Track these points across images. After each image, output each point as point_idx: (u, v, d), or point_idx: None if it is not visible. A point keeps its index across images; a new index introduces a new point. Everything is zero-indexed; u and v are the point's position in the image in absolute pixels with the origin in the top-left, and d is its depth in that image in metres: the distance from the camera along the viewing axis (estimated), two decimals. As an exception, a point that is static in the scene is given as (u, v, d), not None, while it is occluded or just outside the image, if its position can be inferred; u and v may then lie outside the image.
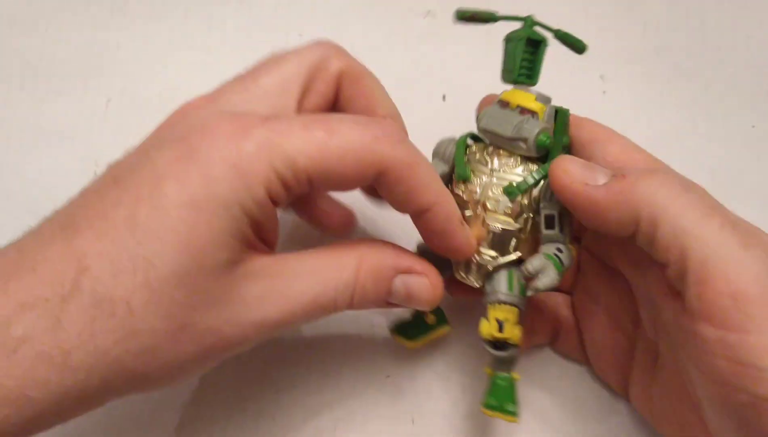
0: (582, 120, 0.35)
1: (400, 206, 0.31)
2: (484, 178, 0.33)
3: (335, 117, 0.30)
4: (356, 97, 0.34)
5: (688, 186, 0.29)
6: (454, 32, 0.51)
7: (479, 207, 0.33)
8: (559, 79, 0.48)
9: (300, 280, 0.30)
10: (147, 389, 0.29)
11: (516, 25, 0.34)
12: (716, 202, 0.29)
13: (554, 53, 0.48)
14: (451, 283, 0.35)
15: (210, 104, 0.32)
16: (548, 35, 0.34)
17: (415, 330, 0.38)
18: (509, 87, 0.35)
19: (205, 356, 0.28)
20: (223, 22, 0.51)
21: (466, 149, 0.35)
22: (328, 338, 0.41)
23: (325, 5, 0.51)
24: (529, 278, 0.31)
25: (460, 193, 0.33)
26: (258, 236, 0.29)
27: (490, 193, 0.33)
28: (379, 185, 0.30)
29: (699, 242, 0.27)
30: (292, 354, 0.41)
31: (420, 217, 0.31)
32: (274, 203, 0.28)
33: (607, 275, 0.36)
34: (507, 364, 0.34)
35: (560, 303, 0.39)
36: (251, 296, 0.28)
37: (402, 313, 0.39)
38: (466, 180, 0.33)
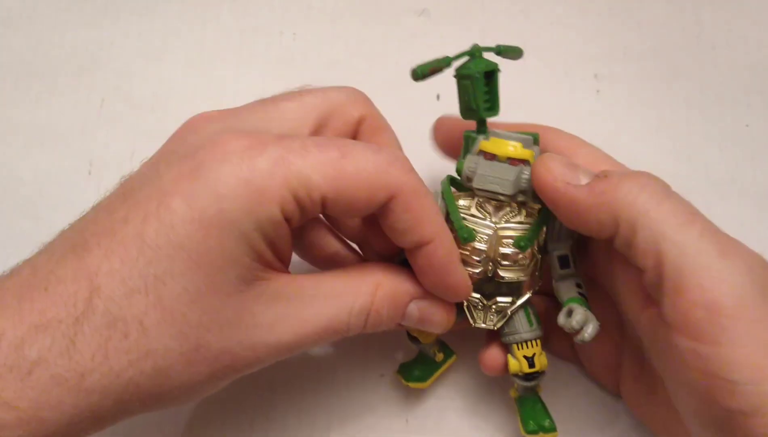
0: (548, 131, 0.35)
1: (403, 235, 0.30)
2: (489, 232, 0.32)
3: (348, 141, 0.30)
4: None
5: (669, 192, 0.29)
6: (449, 31, 0.51)
7: (490, 263, 0.32)
8: (554, 78, 0.48)
9: (315, 304, 0.29)
10: (160, 408, 0.28)
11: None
12: (697, 210, 0.29)
13: (548, 53, 0.49)
14: None
15: (223, 119, 0.31)
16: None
17: (426, 370, 0.37)
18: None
19: (218, 377, 0.28)
20: (218, 21, 0.51)
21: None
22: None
23: (320, 4, 0.51)
24: (575, 332, 0.31)
25: (466, 253, 0.32)
26: (273, 253, 0.29)
27: (501, 249, 0.32)
28: (384, 213, 0.29)
29: (676, 249, 0.27)
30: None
31: (420, 250, 0.30)
32: (288, 222, 0.28)
33: (588, 285, 0.36)
34: (534, 387, 0.35)
35: (549, 307, 0.39)
36: (266, 319, 0.28)
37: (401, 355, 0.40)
38: (471, 240, 0.32)
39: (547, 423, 0.35)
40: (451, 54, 0.34)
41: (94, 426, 0.27)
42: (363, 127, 0.34)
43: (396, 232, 0.30)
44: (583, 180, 0.30)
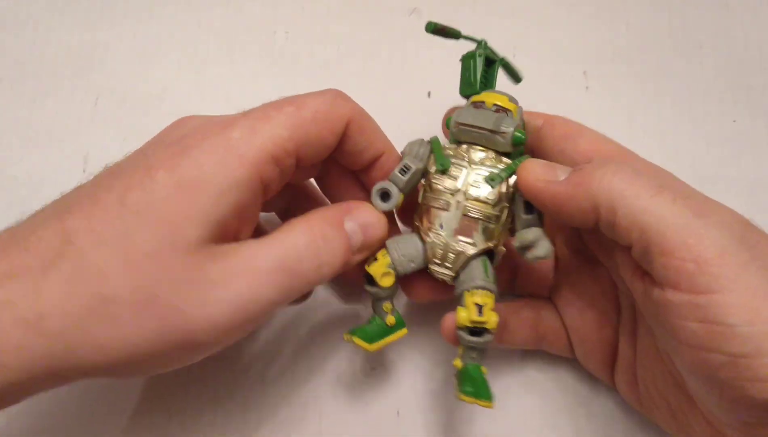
0: (554, 118, 0.37)
1: (362, 155, 0.35)
2: (464, 169, 0.35)
3: (296, 95, 0.33)
4: (359, 135, 0.35)
5: (639, 171, 0.31)
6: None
7: (460, 195, 0.34)
8: (543, 75, 0.49)
9: (263, 252, 0.30)
10: (109, 369, 0.29)
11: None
12: (669, 180, 0.31)
13: (538, 51, 0.49)
14: (411, 286, 0.37)
15: (206, 117, 0.34)
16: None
17: (374, 333, 0.37)
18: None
19: (168, 340, 0.28)
20: (211, 20, 0.51)
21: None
22: (313, 331, 0.42)
23: (312, 4, 0.51)
24: (528, 247, 0.33)
25: (440, 184, 0.35)
26: (239, 221, 0.30)
27: (471, 182, 0.34)
28: (344, 141, 0.34)
29: (655, 217, 0.29)
30: (278, 348, 0.42)
31: (376, 163, 0.36)
32: (266, 186, 0.31)
33: (588, 267, 0.37)
34: (479, 354, 0.34)
35: (542, 308, 0.40)
36: (218, 274, 0.29)
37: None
38: (446, 171, 0.35)
39: (486, 392, 0.33)
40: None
41: (48, 377, 0.28)
42: (351, 124, 0.35)
43: (356, 155, 0.35)
44: (562, 176, 0.32)
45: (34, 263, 0.28)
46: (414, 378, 0.41)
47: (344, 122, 0.33)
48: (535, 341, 0.40)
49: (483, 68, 0.36)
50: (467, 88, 0.37)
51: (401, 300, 0.41)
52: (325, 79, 0.49)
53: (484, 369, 0.34)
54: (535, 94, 0.47)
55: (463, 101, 0.38)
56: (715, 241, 0.27)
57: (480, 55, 0.36)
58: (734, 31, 0.50)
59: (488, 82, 0.37)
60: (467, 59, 0.37)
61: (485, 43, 0.37)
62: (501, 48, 0.49)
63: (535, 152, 0.37)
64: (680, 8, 0.50)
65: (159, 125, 0.47)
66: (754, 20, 0.50)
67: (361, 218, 0.34)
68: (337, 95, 0.34)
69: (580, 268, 0.38)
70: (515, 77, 0.39)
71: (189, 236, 0.28)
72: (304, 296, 0.41)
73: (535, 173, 0.33)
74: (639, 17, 0.50)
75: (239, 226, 0.31)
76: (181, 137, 0.31)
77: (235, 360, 0.41)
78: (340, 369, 0.41)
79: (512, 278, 0.41)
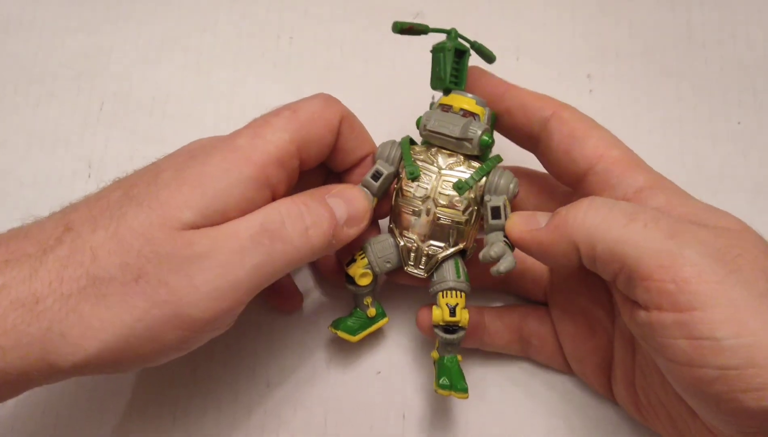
0: (563, 110, 0.37)
1: (353, 153, 0.37)
2: (433, 176, 0.36)
3: (291, 102, 0.35)
4: (350, 133, 0.37)
5: (610, 204, 0.31)
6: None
7: (430, 202, 0.36)
8: (547, 78, 0.49)
9: (245, 220, 0.31)
10: (102, 358, 0.29)
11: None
12: (639, 207, 0.31)
13: (541, 53, 0.49)
14: (393, 272, 0.38)
15: (215, 137, 0.35)
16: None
17: (357, 326, 0.39)
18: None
19: (156, 316, 0.29)
20: (215, 26, 0.51)
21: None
22: (318, 334, 0.42)
23: (316, 9, 0.51)
24: (492, 262, 0.33)
25: (411, 190, 0.36)
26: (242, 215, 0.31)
27: (440, 189, 0.36)
28: (337, 138, 0.36)
29: (630, 245, 0.29)
30: (283, 349, 0.42)
31: (361, 163, 0.38)
32: (273, 187, 0.32)
33: (583, 272, 0.37)
34: (454, 347, 0.36)
35: (530, 313, 0.40)
36: (202, 247, 0.30)
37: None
38: (416, 178, 0.36)
39: (461, 384, 0.36)
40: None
41: (44, 370, 0.28)
42: (343, 124, 0.36)
43: (346, 153, 0.37)
44: (543, 222, 0.33)
45: (33, 250, 0.29)
46: (419, 380, 0.41)
47: (338, 120, 0.35)
48: (519, 346, 0.40)
49: (453, 61, 0.36)
50: (438, 83, 0.37)
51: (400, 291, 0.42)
52: (329, 82, 0.49)
53: (459, 357, 0.36)
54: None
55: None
56: (687, 260, 0.28)
57: (450, 50, 0.36)
58: (738, 31, 0.49)
59: (459, 76, 0.37)
60: (437, 52, 0.37)
61: (455, 33, 0.37)
62: (505, 51, 0.49)
63: (542, 146, 0.37)
64: (684, 9, 0.50)
65: (162, 127, 0.48)
66: (758, 21, 0.50)
67: (343, 194, 0.35)
68: (328, 97, 0.36)
69: (574, 273, 0.38)
70: (488, 58, 0.38)
71: (182, 217, 0.29)
72: (298, 303, 0.42)
73: (519, 226, 0.34)
74: (642, 19, 0.50)
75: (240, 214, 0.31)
76: (191, 150, 0.33)
77: (239, 362, 0.41)
78: (345, 372, 0.41)
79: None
